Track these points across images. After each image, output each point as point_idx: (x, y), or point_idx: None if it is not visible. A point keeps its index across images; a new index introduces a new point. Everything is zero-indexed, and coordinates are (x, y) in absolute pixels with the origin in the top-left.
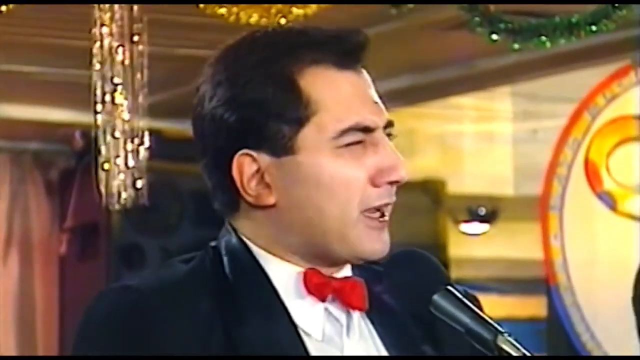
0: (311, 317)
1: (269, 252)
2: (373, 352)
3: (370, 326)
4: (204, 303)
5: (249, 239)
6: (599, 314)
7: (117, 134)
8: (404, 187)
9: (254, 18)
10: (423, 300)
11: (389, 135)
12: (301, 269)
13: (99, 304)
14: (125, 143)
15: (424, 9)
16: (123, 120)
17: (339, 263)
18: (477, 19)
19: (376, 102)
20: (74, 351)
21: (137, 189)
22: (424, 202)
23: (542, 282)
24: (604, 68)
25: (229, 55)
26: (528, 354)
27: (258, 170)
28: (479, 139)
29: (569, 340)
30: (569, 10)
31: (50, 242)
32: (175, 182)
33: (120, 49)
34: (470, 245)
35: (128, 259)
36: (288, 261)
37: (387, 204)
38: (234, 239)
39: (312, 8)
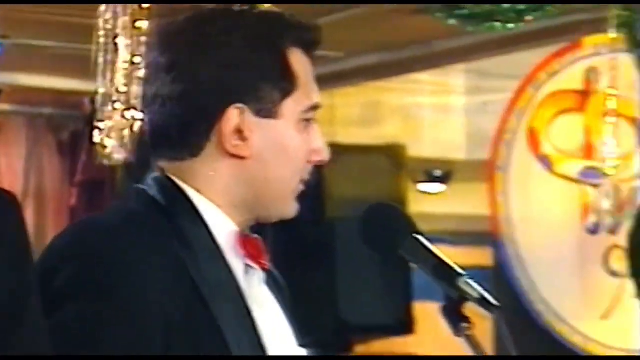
0: (237, 269)
1: (212, 202)
2: (272, 304)
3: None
4: (167, 242)
5: (193, 186)
6: (535, 260)
7: (115, 102)
8: (369, 152)
9: None
10: (395, 245)
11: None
12: (235, 228)
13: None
14: (122, 110)
15: None
16: (119, 91)
17: (262, 221)
18: (436, 5)
19: None
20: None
21: (127, 149)
22: (387, 165)
23: (489, 235)
24: (547, 49)
25: (213, 23)
26: (485, 295)
27: (241, 124)
28: (435, 110)
29: (509, 284)
30: None
31: (61, 195)
32: None
33: (121, 27)
34: (427, 203)
35: None
36: (226, 214)
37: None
38: (170, 185)
39: None
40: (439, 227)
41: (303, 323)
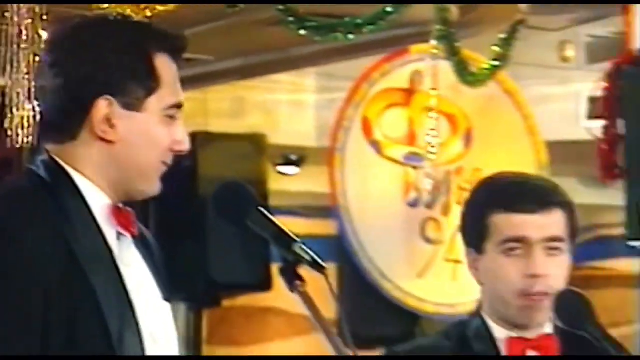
0: (110, 236)
1: (89, 179)
2: (141, 264)
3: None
4: (48, 215)
5: (73, 166)
6: (366, 228)
7: (22, 92)
8: (236, 139)
9: (127, 12)
10: (242, 217)
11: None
12: (108, 201)
13: None
14: (26, 101)
15: (253, 10)
16: (24, 85)
17: (132, 197)
18: (290, 18)
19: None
20: None
21: (31, 133)
22: (251, 150)
23: (334, 209)
24: (380, 56)
25: (91, 30)
26: (317, 259)
27: (110, 114)
28: (291, 105)
29: (345, 248)
30: (358, 13)
31: None
32: None
33: (24, 32)
34: (285, 182)
35: None
36: (100, 189)
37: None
38: (54, 165)
39: (171, 6)
40: (295, 202)
41: (179, 282)
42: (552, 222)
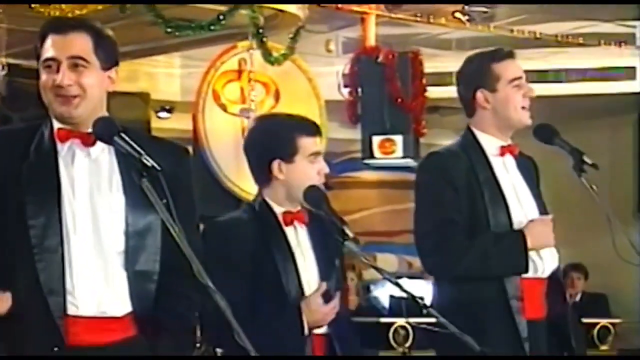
0: (63, 150)
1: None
2: (97, 167)
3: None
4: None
5: None
6: (217, 152)
7: None
8: (131, 96)
9: (57, 14)
10: (110, 140)
11: (76, 65)
12: (60, 125)
13: None
14: None
15: (139, 15)
16: None
17: (66, 120)
18: (160, 20)
19: (68, 46)
20: None
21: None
22: (141, 103)
23: (194, 140)
24: (221, 45)
25: None
26: (155, 165)
27: None
28: (165, 75)
29: (205, 163)
30: (203, 18)
31: None
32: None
33: None
34: (162, 123)
35: (3, 122)
36: (55, 121)
37: (65, 95)
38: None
39: (84, 10)
40: (169, 135)
41: None
42: None
